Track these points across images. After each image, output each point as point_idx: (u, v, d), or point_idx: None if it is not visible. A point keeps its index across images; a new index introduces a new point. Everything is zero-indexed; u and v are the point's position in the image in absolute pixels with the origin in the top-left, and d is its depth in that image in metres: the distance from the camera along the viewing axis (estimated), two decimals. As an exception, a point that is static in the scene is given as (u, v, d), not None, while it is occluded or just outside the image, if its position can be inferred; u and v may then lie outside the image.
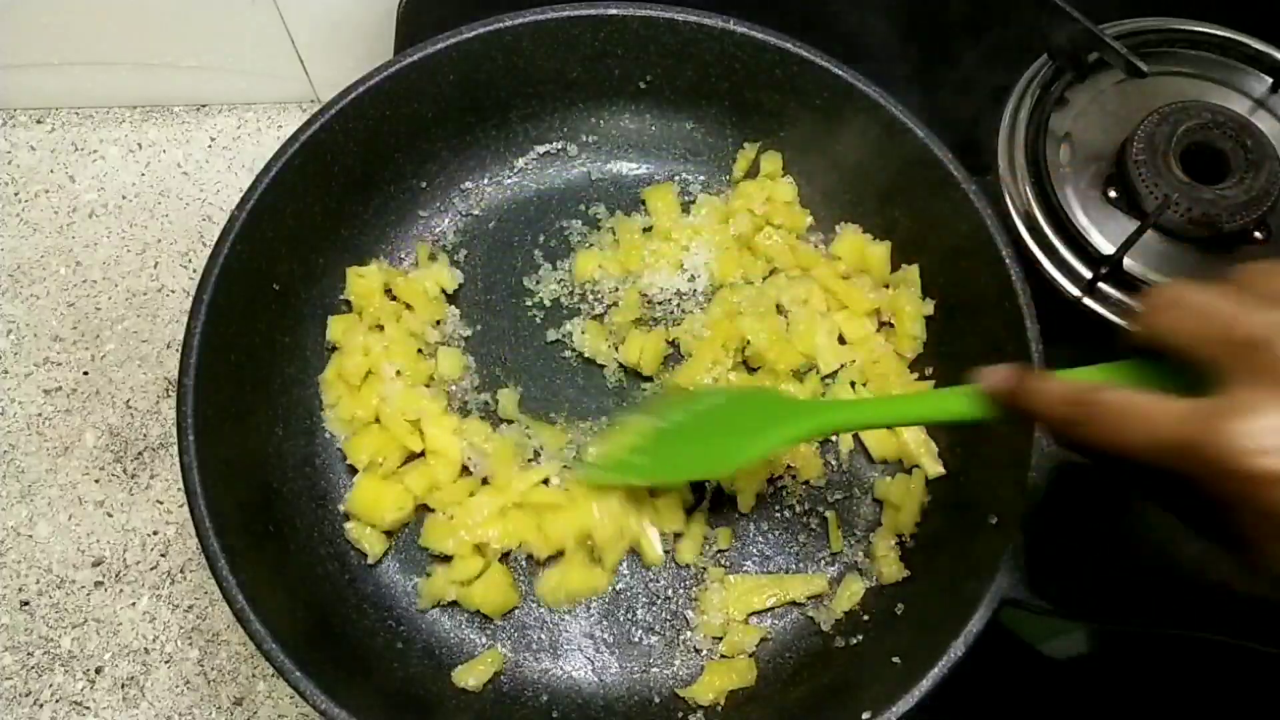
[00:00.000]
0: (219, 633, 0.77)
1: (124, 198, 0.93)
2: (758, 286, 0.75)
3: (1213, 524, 0.40)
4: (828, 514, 0.71)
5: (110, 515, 0.80)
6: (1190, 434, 0.38)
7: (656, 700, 0.67)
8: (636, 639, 0.68)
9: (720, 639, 0.67)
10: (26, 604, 0.78)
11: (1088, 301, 0.71)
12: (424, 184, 0.77)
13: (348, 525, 0.69)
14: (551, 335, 0.75)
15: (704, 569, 0.69)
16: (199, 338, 0.63)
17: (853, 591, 0.68)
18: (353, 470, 0.70)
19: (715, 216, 0.77)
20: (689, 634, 0.68)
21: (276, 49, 0.91)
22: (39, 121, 0.97)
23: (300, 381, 0.72)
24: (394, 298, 0.74)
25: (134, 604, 0.78)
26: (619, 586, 0.69)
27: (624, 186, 0.80)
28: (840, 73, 0.71)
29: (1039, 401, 0.45)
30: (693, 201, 0.78)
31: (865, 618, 0.67)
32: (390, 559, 0.69)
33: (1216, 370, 0.39)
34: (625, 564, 0.70)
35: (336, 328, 0.72)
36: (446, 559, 0.67)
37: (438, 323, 0.74)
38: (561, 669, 0.68)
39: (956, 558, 0.65)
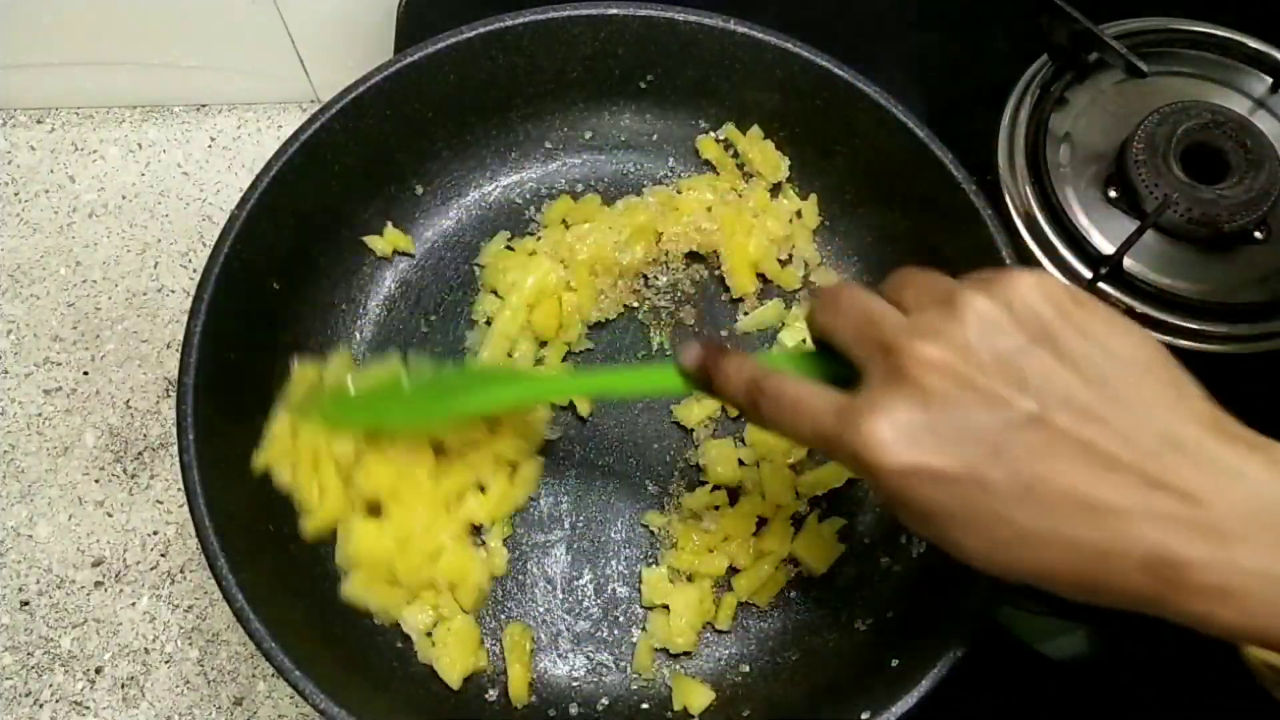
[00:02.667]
0: (219, 633, 0.77)
1: (124, 198, 0.93)
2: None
3: None
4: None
5: (110, 515, 0.81)
6: (835, 426, 0.42)
7: (656, 701, 0.67)
8: (635, 639, 0.68)
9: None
10: (26, 604, 0.78)
11: (1088, 301, 0.71)
12: (424, 184, 0.78)
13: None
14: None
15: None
16: (199, 338, 0.63)
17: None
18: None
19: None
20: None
21: (276, 49, 0.91)
22: (39, 121, 0.97)
23: (300, 381, 0.72)
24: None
25: (134, 604, 0.78)
26: (619, 589, 0.70)
27: (625, 186, 0.80)
28: (840, 73, 0.71)
29: (723, 381, 0.48)
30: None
31: (865, 619, 0.67)
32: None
33: (859, 367, 0.44)
34: (626, 566, 0.70)
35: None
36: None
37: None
38: (561, 669, 0.68)
39: (956, 560, 0.65)
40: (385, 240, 0.76)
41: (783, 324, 0.75)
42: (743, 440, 0.72)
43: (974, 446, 0.40)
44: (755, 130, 0.78)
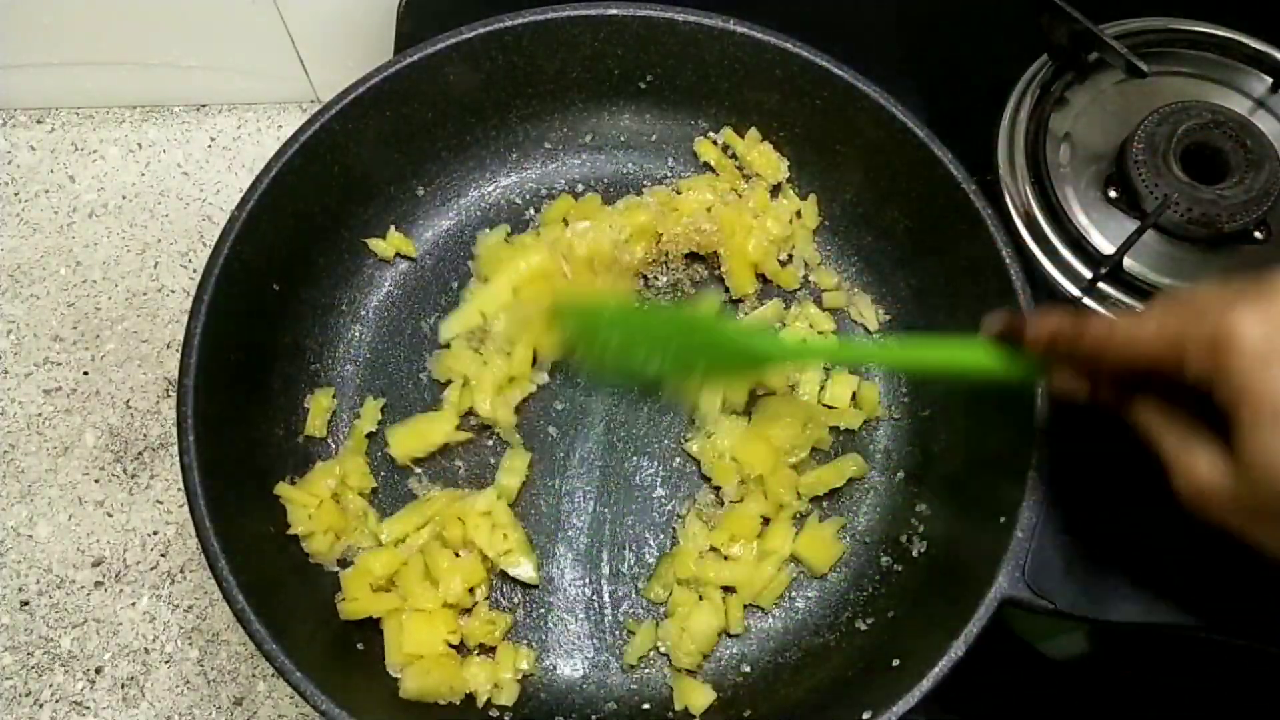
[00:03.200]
0: (219, 633, 0.77)
1: (124, 198, 0.93)
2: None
3: (1184, 425, 0.46)
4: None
5: (110, 515, 0.80)
6: (1190, 319, 0.43)
7: (657, 701, 0.67)
8: (636, 639, 0.68)
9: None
10: (26, 604, 0.78)
11: (1088, 301, 0.71)
12: (424, 184, 0.78)
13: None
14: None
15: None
16: (199, 338, 0.63)
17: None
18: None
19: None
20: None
21: (276, 49, 0.91)
22: (39, 121, 0.97)
23: (300, 381, 0.72)
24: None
25: (134, 604, 0.78)
26: (618, 591, 0.70)
27: (625, 186, 0.80)
28: (840, 73, 0.71)
29: (1035, 328, 0.50)
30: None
31: (866, 619, 0.67)
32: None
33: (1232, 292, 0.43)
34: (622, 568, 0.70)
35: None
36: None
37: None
38: (562, 669, 0.68)
39: (957, 557, 0.65)
40: (387, 243, 0.76)
41: (782, 324, 0.75)
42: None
43: None
44: (753, 133, 0.78)
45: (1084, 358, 0.49)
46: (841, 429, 0.73)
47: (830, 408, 0.73)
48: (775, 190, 0.78)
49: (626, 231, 0.74)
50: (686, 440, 0.72)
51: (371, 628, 0.65)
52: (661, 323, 0.68)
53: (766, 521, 0.70)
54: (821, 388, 0.73)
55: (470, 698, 0.65)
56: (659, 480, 0.72)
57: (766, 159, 0.77)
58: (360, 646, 0.65)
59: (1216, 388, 0.42)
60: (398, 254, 0.77)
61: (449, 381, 0.73)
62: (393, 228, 0.76)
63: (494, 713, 0.65)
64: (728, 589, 0.68)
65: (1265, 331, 0.40)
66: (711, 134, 0.79)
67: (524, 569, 0.68)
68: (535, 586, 0.69)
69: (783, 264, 0.77)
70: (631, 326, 0.66)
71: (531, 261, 0.73)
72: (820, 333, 0.75)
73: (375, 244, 0.75)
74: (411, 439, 0.71)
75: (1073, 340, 0.48)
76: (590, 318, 0.67)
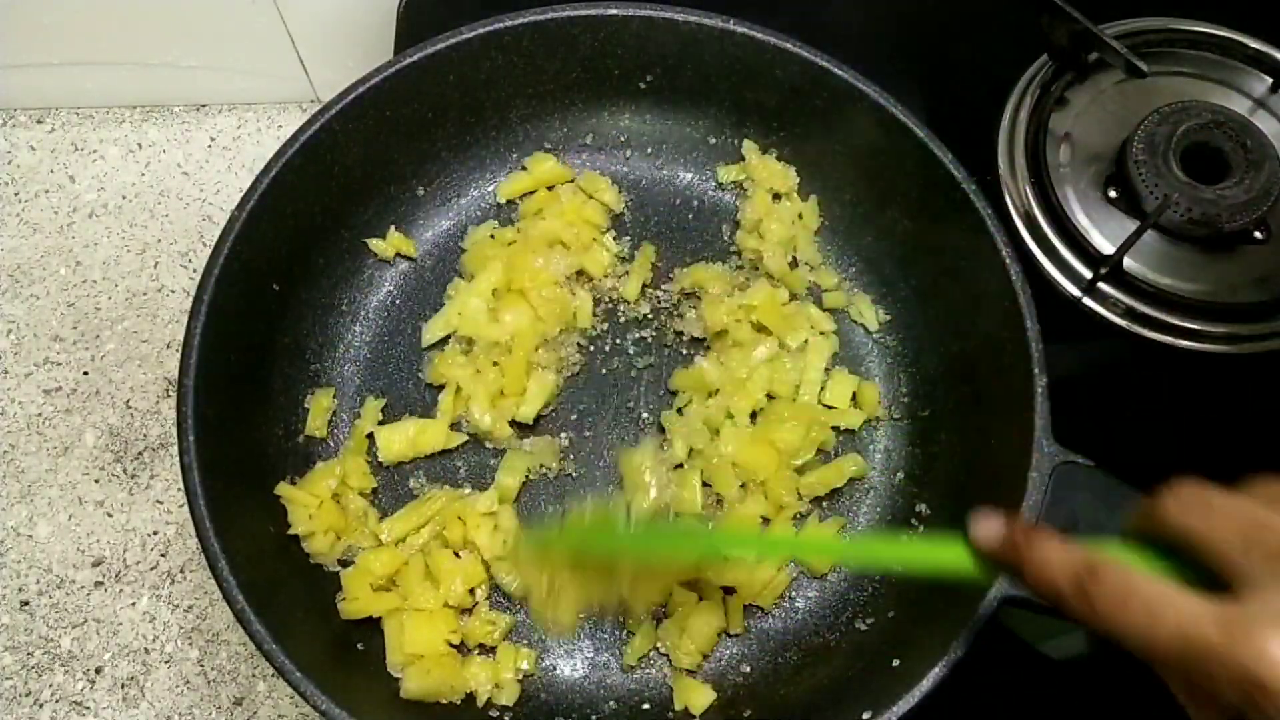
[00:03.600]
0: (219, 633, 0.77)
1: (124, 198, 0.93)
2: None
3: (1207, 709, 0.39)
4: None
5: (110, 515, 0.80)
6: (1218, 636, 0.37)
7: (657, 701, 0.67)
8: (636, 639, 0.68)
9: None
10: (26, 604, 0.78)
11: (1088, 301, 0.71)
12: (424, 184, 0.78)
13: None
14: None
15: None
16: (199, 338, 0.63)
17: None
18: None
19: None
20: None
21: (276, 49, 0.91)
22: (39, 121, 0.97)
23: (300, 381, 0.72)
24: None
25: (134, 604, 0.78)
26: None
27: (624, 187, 0.80)
28: (840, 73, 0.71)
29: (1039, 566, 0.42)
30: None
31: (866, 619, 0.67)
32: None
33: (1241, 576, 0.38)
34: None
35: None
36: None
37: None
38: (562, 669, 0.68)
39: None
40: (388, 243, 0.76)
41: None
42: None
43: None
44: (752, 147, 0.78)
45: (1096, 625, 0.41)
46: (841, 429, 0.73)
47: (830, 408, 0.73)
48: (776, 195, 0.78)
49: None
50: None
51: (372, 628, 0.65)
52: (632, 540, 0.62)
53: (766, 521, 0.70)
54: (822, 388, 0.73)
55: (470, 697, 0.65)
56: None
57: (774, 171, 0.77)
58: (360, 646, 0.65)
59: (1248, 715, 0.37)
60: (398, 254, 0.77)
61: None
62: (393, 228, 0.76)
63: (494, 713, 0.65)
64: (728, 589, 0.68)
65: None
66: (723, 163, 0.80)
67: (512, 581, 0.68)
68: None
69: (792, 266, 0.76)
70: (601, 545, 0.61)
71: (507, 258, 0.73)
72: (820, 333, 0.75)
73: (375, 244, 0.75)
74: (401, 443, 0.70)
75: (1079, 599, 0.40)
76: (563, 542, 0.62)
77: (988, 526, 0.44)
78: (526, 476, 0.71)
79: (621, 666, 0.68)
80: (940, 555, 0.48)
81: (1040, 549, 0.42)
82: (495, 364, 0.72)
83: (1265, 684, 0.35)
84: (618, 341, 0.75)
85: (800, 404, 0.72)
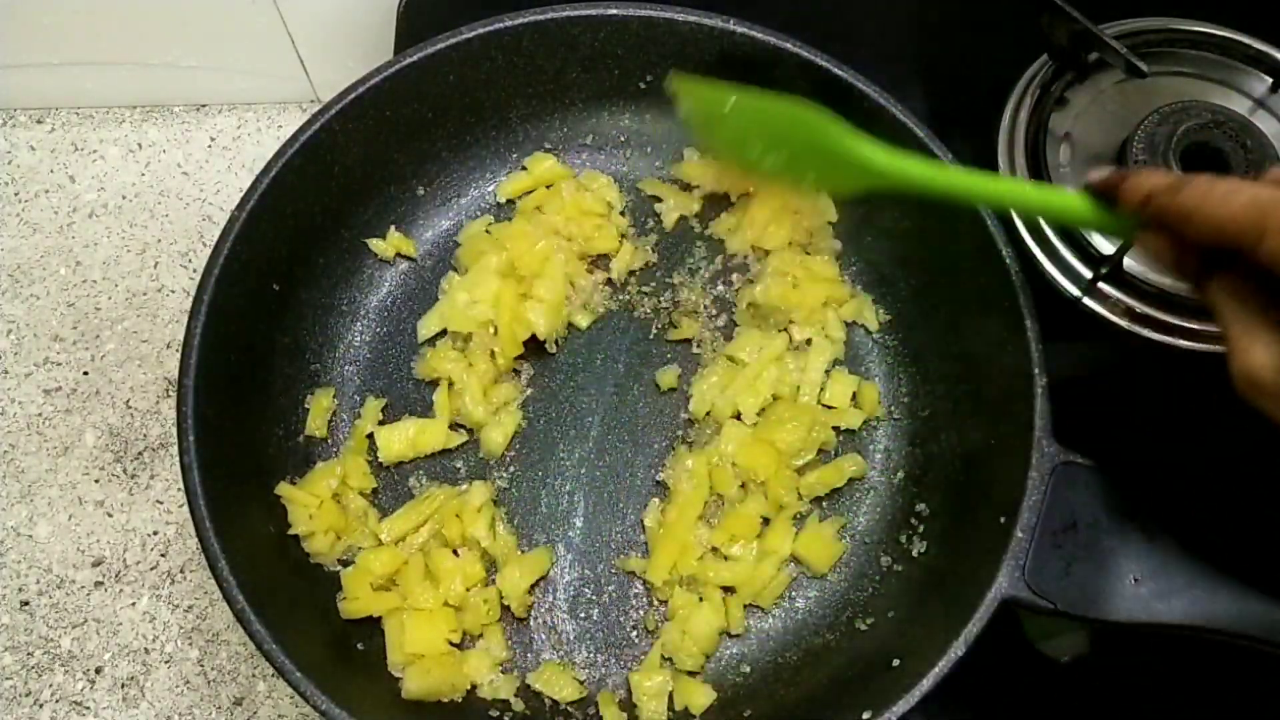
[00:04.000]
0: (219, 633, 0.77)
1: (124, 198, 0.93)
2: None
3: (1256, 305, 0.46)
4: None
5: (110, 515, 0.80)
6: (1274, 203, 0.43)
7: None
8: (636, 639, 0.68)
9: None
10: (26, 604, 0.78)
11: (1088, 301, 0.71)
12: (424, 184, 0.78)
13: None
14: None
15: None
16: (199, 338, 0.63)
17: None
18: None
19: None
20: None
21: (276, 49, 0.91)
22: (39, 121, 0.97)
23: (300, 381, 0.72)
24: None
25: (134, 604, 0.78)
26: (620, 589, 0.70)
27: (624, 187, 0.80)
28: (840, 73, 0.71)
29: (1134, 184, 0.49)
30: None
31: (866, 619, 0.67)
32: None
33: None
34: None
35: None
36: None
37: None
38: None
39: (957, 557, 0.65)
40: (388, 243, 0.76)
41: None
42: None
43: None
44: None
45: (1175, 218, 0.48)
46: (841, 429, 0.73)
47: (830, 408, 0.73)
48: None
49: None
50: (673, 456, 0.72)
51: (372, 627, 0.66)
52: (782, 119, 0.63)
53: (766, 521, 0.70)
54: (821, 388, 0.73)
55: (472, 698, 0.65)
56: (655, 476, 0.72)
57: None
58: (360, 646, 0.65)
59: None
60: (398, 254, 0.77)
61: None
62: (393, 228, 0.76)
63: (494, 712, 0.65)
64: (728, 589, 0.68)
65: None
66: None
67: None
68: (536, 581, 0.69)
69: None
70: (753, 118, 0.64)
71: (505, 252, 0.73)
72: (829, 338, 0.75)
73: (375, 244, 0.75)
74: (401, 443, 0.71)
75: (1168, 199, 0.48)
76: (713, 104, 0.65)
77: (1101, 170, 0.52)
78: (526, 475, 0.71)
79: (622, 666, 0.68)
80: (1059, 200, 0.55)
81: (1144, 172, 0.50)
82: (492, 353, 0.72)
83: None
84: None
85: (801, 404, 0.72)
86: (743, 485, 0.70)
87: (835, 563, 0.70)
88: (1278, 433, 0.44)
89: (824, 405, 0.73)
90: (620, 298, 0.77)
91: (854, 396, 0.73)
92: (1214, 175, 0.47)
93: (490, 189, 0.79)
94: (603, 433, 0.73)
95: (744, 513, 0.69)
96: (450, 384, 0.72)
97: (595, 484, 0.72)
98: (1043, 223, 0.73)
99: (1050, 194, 0.58)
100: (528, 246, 0.73)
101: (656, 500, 0.71)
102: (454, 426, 0.72)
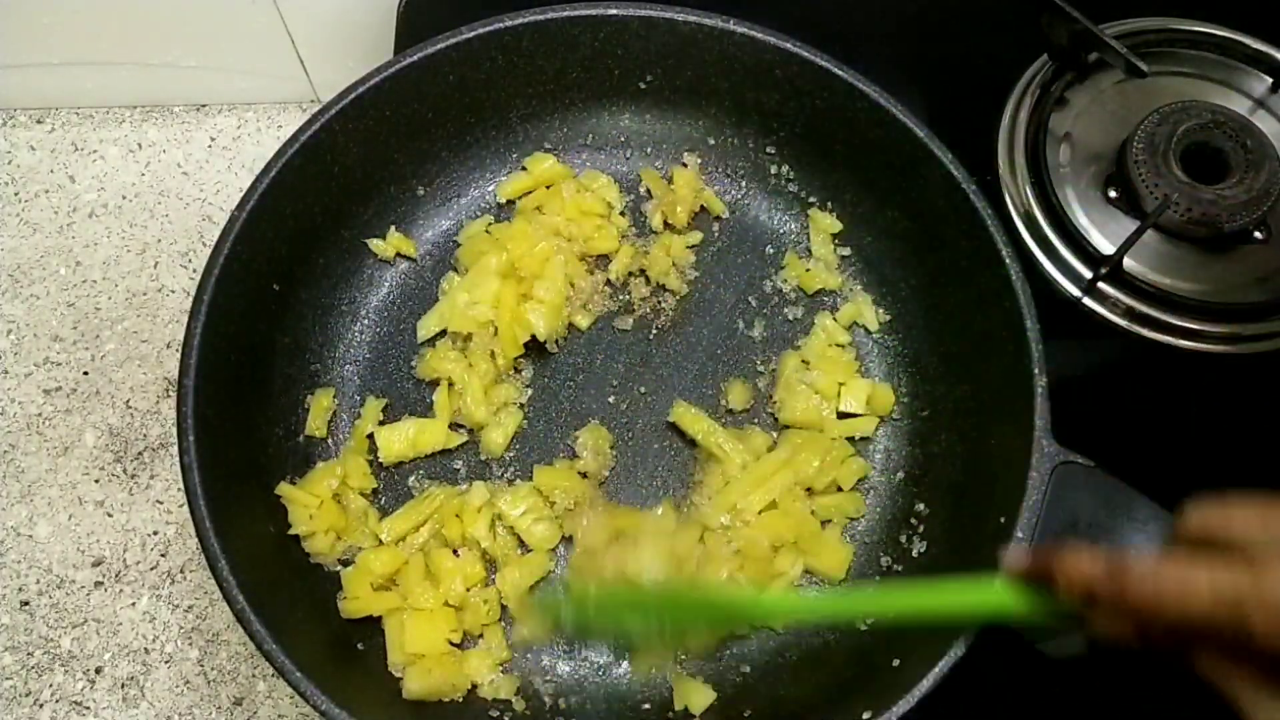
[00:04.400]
0: (219, 633, 0.77)
1: (124, 198, 0.93)
2: None
3: (1260, 679, 0.42)
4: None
5: (110, 515, 0.80)
6: (1246, 586, 0.39)
7: (657, 701, 0.67)
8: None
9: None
10: (26, 604, 0.78)
11: (1088, 301, 0.71)
12: (424, 184, 0.78)
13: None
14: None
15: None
16: (199, 338, 0.63)
17: None
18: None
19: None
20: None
21: (276, 49, 0.91)
22: (39, 121, 0.97)
23: (300, 381, 0.72)
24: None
25: (134, 604, 0.78)
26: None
27: (624, 187, 0.80)
28: (840, 73, 0.71)
29: (1069, 572, 0.45)
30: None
31: (866, 619, 0.67)
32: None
33: (1257, 552, 0.41)
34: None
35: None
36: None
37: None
38: (563, 667, 0.68)
39: (957, 558, 0.65)
40: (388, 243, 0.76)
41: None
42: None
43: None
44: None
45: (1131, 614, 0.43)
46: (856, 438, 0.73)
47: (845, 416, 0.72)
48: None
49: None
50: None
51: (372, 627, 0.66)
52: (657, 599, 0.62)
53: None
54: (837, 395, 0.72)
55: (472, 698, 0.65)
56: (659, 478, 0.72)
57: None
58: (360, 646, 0.65)
59: None
60: (398, 254, 0.77)
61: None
62: (393, 228, 0.76)
63: (494, 712, 0.65)
64: None
65: None
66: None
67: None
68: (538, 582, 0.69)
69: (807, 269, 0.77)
70: (629, 605, 0.61)
71: (505, 253, 0.73)
72: (838, 344, 0.74)
73: (375, 244, 0.75)
74: (401, 443, 0.70)
75: (1113, 596, 0.43)
76: (592, 605, 0.61)
77: (1015, 553, 0.48)
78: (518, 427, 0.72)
79: (622, 666, 0.68)
80: (974, 597, 0.52)
81: (1069, 557, 0.45)
82: (492, 354, 0.72)
83: None
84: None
85: (818, 436, 0.71)
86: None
87: (849, 566, 0.69)
88: (1278, 433, 0.44)
89: (840, 413, 0.72)
90: (620, 298, 0.77)
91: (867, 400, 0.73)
92: (1146, 557, 0.43)
93: (490, 189, 0.79)
94: (609, 429, 0.73)
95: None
96: (450, 384, 0.72)
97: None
98: (1043, 223, 0.73)
99: (968, 594, 0.52)
100: (528, 247, 0.73)
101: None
102: (454, 426, 0.72)
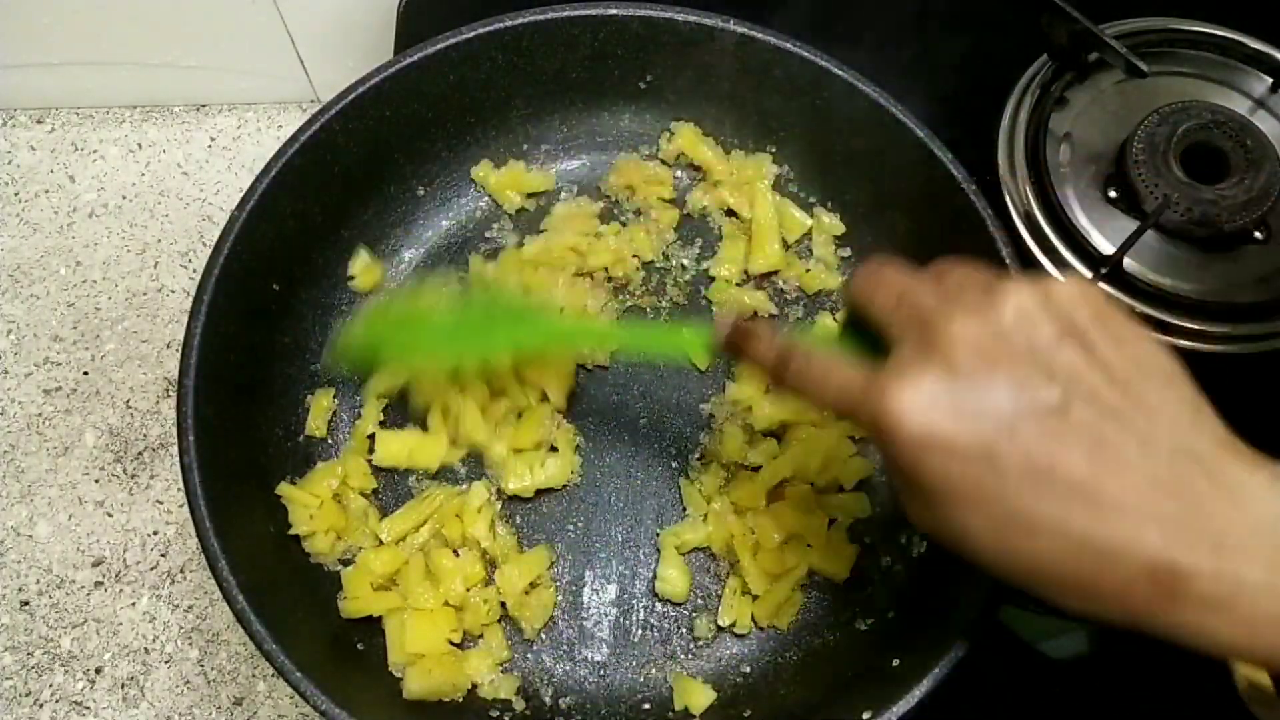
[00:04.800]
0: (219, 633, 0.77)
1: (124, 198, 0.93)
2: None
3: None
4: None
5: (110, 515, 0.81)
6: (860, 393, 0.44)
7: (657, 701, 0.67)
8: (637, 638, 0.68)
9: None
10: (26, 604, 0.78)
11: (1088, 301, 0.71)
12: (424, 184, 0.77)
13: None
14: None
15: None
16: (199, 338, 0.63)
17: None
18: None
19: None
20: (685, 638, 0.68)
21: (276, 49, 0.91)
22: (39, 121, 0.97)
23: (300, 381, 0.72)
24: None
25: (134, 604, 0.78)
26: (621, 589, 0.70)
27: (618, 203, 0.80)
28: (840, 73, 0.71)
29: (754, 349, 0.51)
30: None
31: (866, 619, 0.67)
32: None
33: (892, 338, 0.45)
34: (633, 563, 0.70)
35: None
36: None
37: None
38: (565, 667, 0.68)
39: (957, 557, 0.65)
40: (361, 273, 0.75)
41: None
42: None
43: (991, 423, 0.40)
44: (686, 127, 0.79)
45: (791, 392, 0.50)
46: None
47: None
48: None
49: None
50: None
51: (372, 627, 0.66)
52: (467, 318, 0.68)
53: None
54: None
55: (472, 698, 0.65)
56: (664, 492, 0.72)
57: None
58: (360, 646, 0.65)
59: (886, 462, 0.45)
60: (398, 255, 0.77)
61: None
62: (365, 253, 0.75)
63: (494, 712, 0.65)
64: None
65: (916, 418, 0.41)
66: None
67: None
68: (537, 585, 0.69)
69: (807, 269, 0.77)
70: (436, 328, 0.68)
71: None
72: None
73: (354, 266, 0.75)
74: (400, 454, 0.70)
75: (777, 375, 0.50)
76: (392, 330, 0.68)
77: (724, 321, 0.52)
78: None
79: (622, 666, 0.68)
80: (688, 340, 0.61)
81: (756, 336, 0.51)
82: (485, 380, 0.71)
83: (886, 429, 0.42)
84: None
85: (819, 433, 0.71)
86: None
87: (853, 565, 0.70)
88: (1278, 433, 0.44)
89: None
90: (623, 298, 0.77)
91: None
92: (804, 349, 0.48)
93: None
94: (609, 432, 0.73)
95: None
96: (447, 408, 0.71)
97: (595, 484, 0.72)
98: (1043, 223, 0.73)
99: (665, 335, 0.62)
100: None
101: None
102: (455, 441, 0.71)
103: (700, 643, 0.68)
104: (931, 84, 0.81)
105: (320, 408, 0.71)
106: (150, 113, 0.97)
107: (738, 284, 0.76)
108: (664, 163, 0.79)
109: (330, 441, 0.72)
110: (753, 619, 0.68)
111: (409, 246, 0.78)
